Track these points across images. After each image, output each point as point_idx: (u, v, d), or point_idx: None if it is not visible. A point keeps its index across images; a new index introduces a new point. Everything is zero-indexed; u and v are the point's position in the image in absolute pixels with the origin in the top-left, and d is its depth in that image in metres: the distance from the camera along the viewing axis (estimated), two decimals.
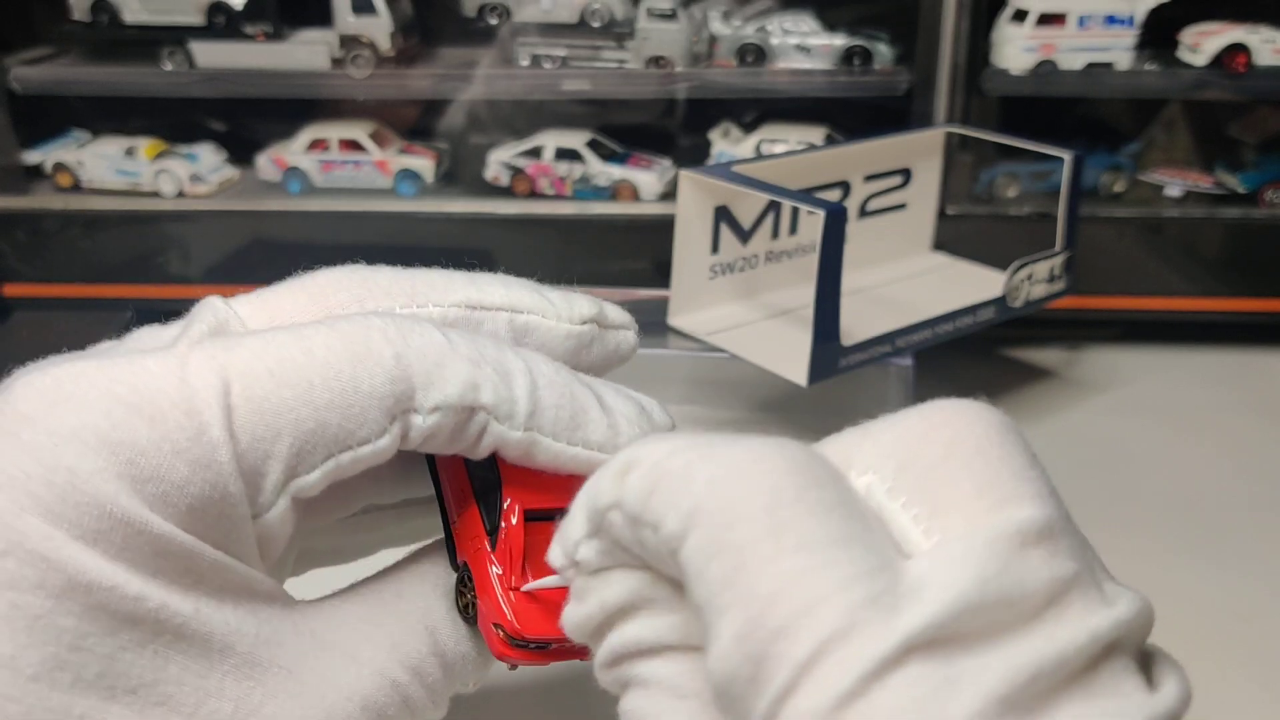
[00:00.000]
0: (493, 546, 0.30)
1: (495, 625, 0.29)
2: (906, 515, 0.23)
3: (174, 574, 0.25)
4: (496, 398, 0.29)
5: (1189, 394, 0.69)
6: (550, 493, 0.30)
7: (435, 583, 0.31)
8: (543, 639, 0.29)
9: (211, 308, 0.30)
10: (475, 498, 0.31)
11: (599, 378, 0.33)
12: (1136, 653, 0.22)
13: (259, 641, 0.27)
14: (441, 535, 0.32)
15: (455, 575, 0.31)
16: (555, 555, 0.27)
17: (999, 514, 0.22)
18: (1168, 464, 0.61)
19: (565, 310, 0.33)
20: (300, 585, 0.32)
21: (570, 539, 0.26)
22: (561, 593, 0.29)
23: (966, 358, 0.69)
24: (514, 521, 0.30)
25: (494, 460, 0.30)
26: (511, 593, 0.29)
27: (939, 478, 0.23)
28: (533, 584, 0.29)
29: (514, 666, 0.30)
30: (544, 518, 0.30)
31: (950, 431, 0.24)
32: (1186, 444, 0.64)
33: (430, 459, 0.33)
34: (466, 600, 0.30)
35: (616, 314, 0.35)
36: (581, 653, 0.29)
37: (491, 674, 0.32)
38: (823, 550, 0.21)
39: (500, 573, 0.29)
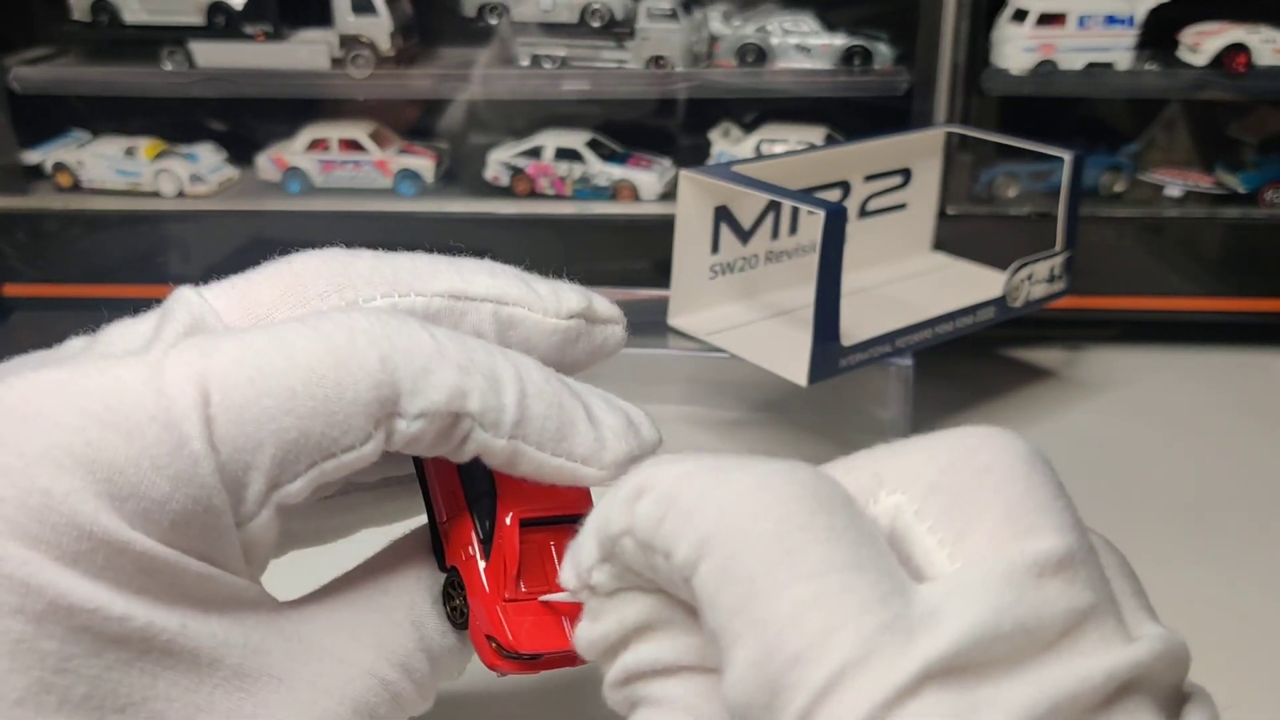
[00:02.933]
0: (486, 556, 0.29)
1: (489, 637, 0.29)
2: (933, 539, 0.23)
3: (159, 590, 0.25)
4: (484, 405, 0.28)
5: (1189, 394, 0.69)
6: (545, 499, 0.30)
7: (418, 577, 0.31)
8: (536, 654, 0.28)
9: (185, 301, 0.29)
10: (467, 502, 0.30)
11: (586, 371, 0.33)
12: (1164, 695, 0.22)
13: (248, 651, 0.26)
14: (418, 522, 0.32)
15: (443, 576, 0.31)
16: (568, 577, 0.27)
17: (1019, 543, 0.22)
18: (1167, 464, 0.61)
19: (552, 304, 0.32)
20: (279, 566, 0.31)
21: (582, 564, 0.26)
22: (558, 608, 0.29)
23: (966, 358, 0.69)
24: (509, 532, 0.29)
25: (487, 466, 0.30)
26: (505, 605, 0.29)
27: (967, 504, 0.23)
28: (548, 597, 0.29)
29: (503, 674, 0.30)
30: (539, 524, 0.30)
31: (982, 458, 0.24)
32: (1186, 444, 0.64)
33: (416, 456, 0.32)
34: (456, 606, 0.30)
35: (605, 308, 0.34)
36: (569, 661, 0.29)
37: (487, 674, 0.32)
38: (835, 575, 0.21)
39: (494, 584, 0.29)
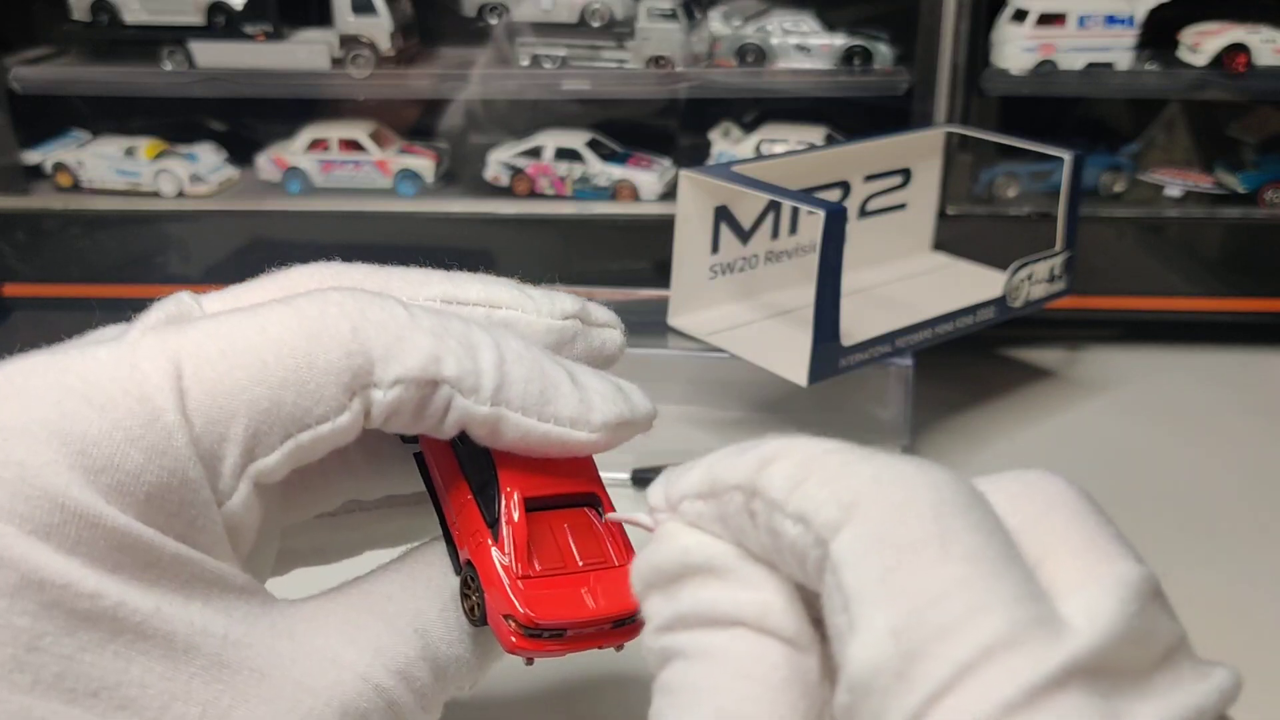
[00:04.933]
0: (495, 538, 0.29)
1: (506, 617, 0.28)
2: None
3: (134, 569, 0.25)
4: (460, 370, 0.28)
5: (1189, 394, 0.69)
6: (548, 479, 0.30)
7: (427, 585, 0.30)
8: (556, 624, 0.28)
9: (175, 300, 0.29)
10: (472, 493, 0.30)
11: None
12: None
13: (228, 642, 0.26)
14: (431, 538, 0.32)
15: (458, 579, 0.30)
16: (655, 496, 0.27)
17: (1118, 565, 0.22)
18: (1168, 464, 0.61)
19: (546, 306, 0.32)
20: (283, 585, 0.31)
21: (679, 490, 0.26)
22: (571, 580, 0.28)
23: (966, 358, 0.69)
24: (515, 510, 0.29)
25: (488, 452, 0.30)
26: (520, 581, 0.28)
27: (1042, 532, 0.23)
28: (616, 515, 0.29)
29: (530, 661, 0.29)
30: (543, 506, 0.30)
31: (1046, 493, 0.24)
32: (1186, 444, 0.64)
33: (420, 462, 0.32)
34: (473, 602, 0.29)
35: (601, 313, 0.34)
36: (597, 640, 0.29)
37: (492, 677, 0.32)
38: (989, 564, 0.21)
39: (506, 562, 0.29)
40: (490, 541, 0.29)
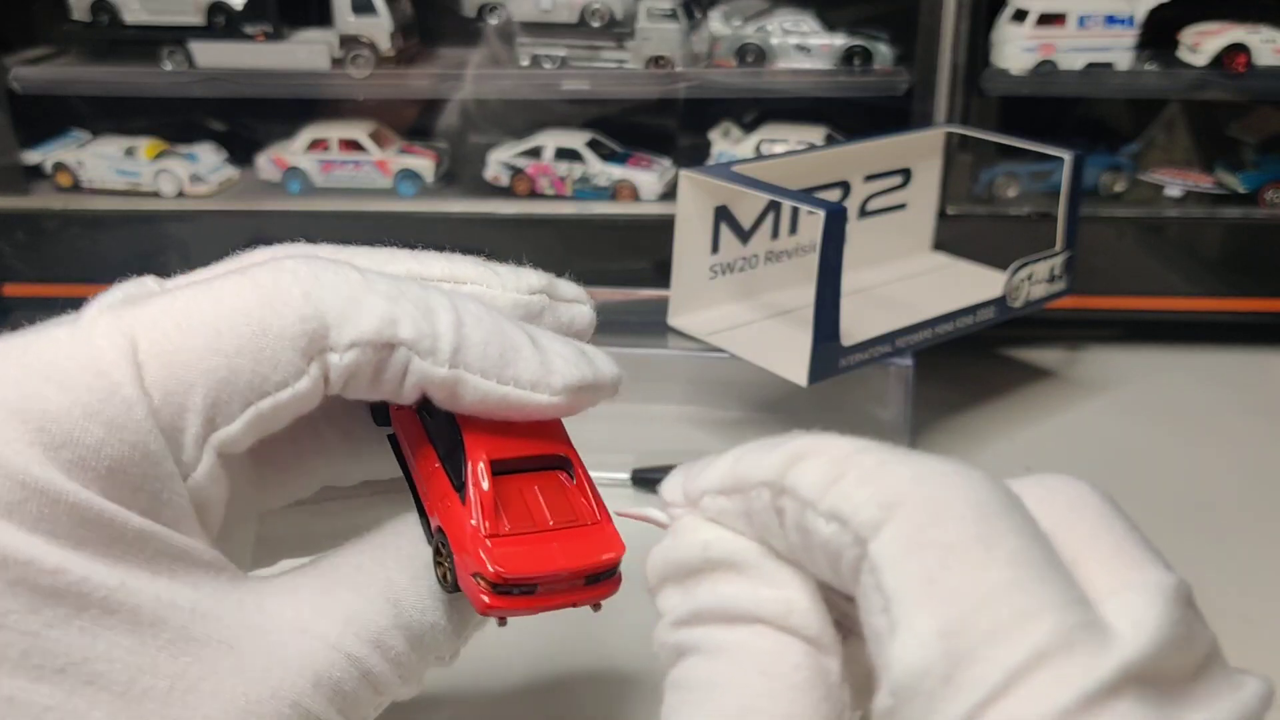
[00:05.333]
0: (463, 501, 0.29)
1: (475, 576, 0.28)
2: None
3: (98, 544, 0.25)
4: (417, 332, 0.28)
5: (1189, 394, 0.69)
6: (514, 442, 0.30)
7: (398, 554, 0.30)
8: (525, 579, 0.28)
9: (138, 283, 0.30)
10: (440, 459, 0.30)
11: None
12: None
13: (196, 615, 0.26)
14: (404, 514, 0.32)
15: (431, 547, 0.30)
16: (672, 491, 0.27)
17: (1149, 572, 0.22)
18: (1168, 464, 0.61)
19: (511, 281, 0.32)
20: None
21: (700, 485, 0.26)
22: (542, 538, 0.28)
23: (966, 358, 0.69)
24: (481, 472, 0.29)
25: (453, 419, 0.30)
26: (489, 540, 0.28)
27: (1069, 536, 0.23)
28: (627, 511, 0.29)
29: (503, 621, 0.29)
30: (512, 470, 0.29)
31: (1072, 497, 0.24)
32: (1186, 444, 0.64)
33: (394, 443, 0.32)
34: (445, 568, 0.29)
35: (569, 288, 0.34)
36: (570, 596, 0.28)
37: (488, 672, 0.32)
38: (1035, 569, 0.21)
39: (474, 523, 0.28)
40: (458, 504, 0.29)
